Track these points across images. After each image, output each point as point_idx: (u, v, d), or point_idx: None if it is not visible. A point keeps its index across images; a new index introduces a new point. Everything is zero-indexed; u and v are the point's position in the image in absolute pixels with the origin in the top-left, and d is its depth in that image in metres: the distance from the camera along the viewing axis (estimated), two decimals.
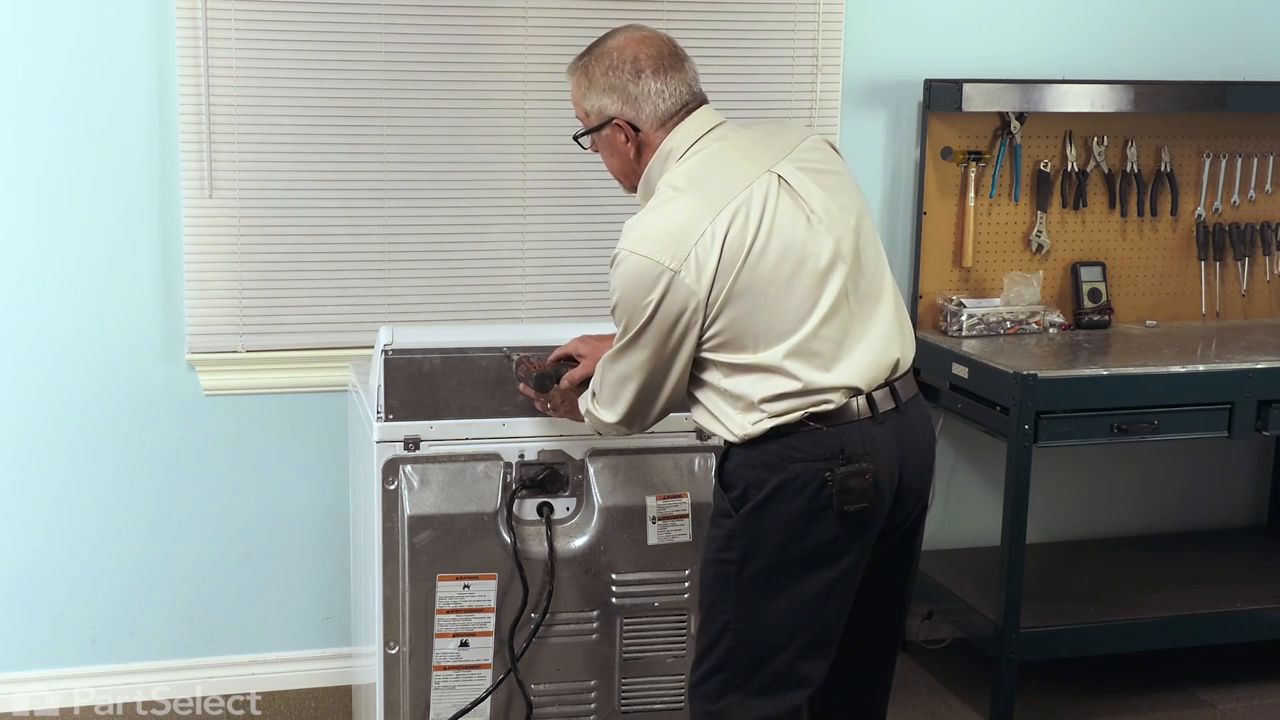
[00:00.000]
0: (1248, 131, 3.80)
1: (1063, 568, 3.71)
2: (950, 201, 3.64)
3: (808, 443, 2.18)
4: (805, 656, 2.27)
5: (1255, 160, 3.82)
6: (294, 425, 3.38)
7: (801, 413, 2.18)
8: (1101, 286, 3.72)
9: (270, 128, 3.23)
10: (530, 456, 2.62)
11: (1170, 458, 3.98)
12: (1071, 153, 3.67)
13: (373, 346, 2.62)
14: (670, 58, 2.29)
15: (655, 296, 2.16)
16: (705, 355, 2.22)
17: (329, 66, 3.24)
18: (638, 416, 2.31)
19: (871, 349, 2.24)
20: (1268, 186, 3.84)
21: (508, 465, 2.61)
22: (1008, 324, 3.57)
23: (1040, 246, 3.70)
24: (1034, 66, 3.64)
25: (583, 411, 2.43)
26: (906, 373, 2.31)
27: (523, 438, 2.61)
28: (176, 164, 3.20)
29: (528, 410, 2.61)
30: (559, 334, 2.63)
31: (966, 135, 3.61)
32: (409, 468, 2.56)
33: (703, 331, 2.19)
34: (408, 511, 2.55)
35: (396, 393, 2.57)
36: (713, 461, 2.64)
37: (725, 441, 2.27)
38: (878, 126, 3.60)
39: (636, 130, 2.29)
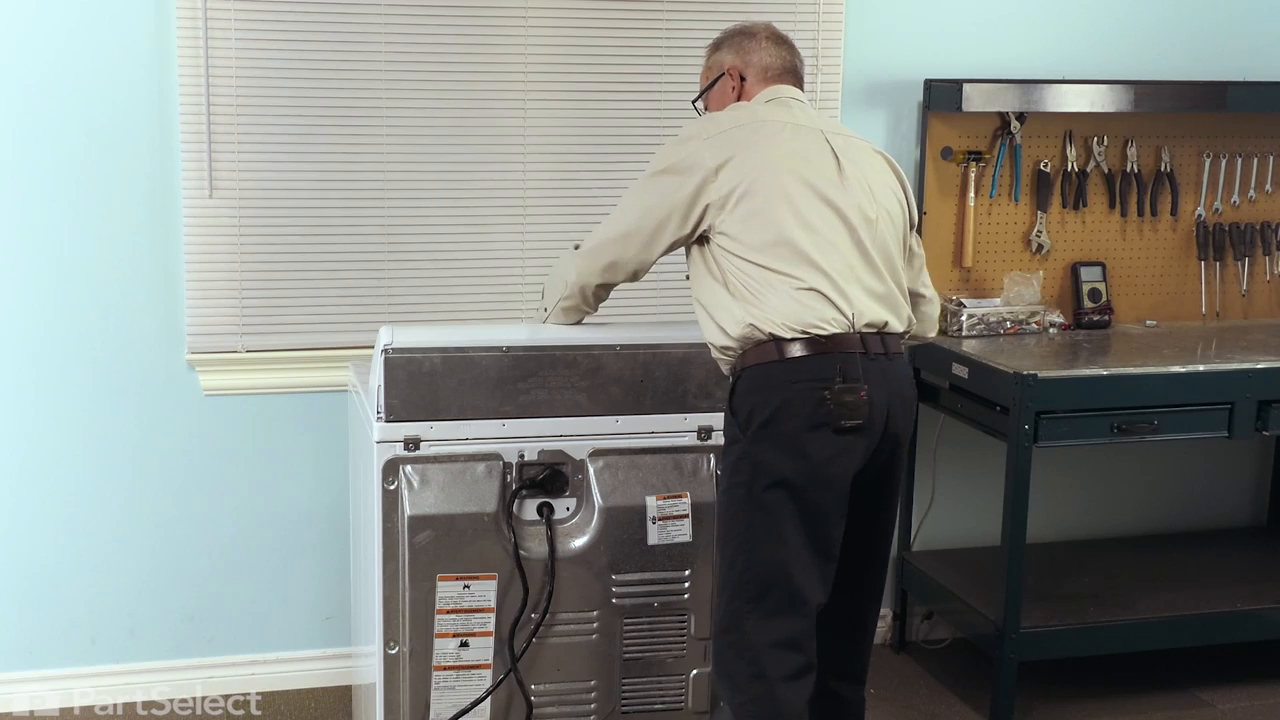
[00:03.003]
0: (1248, 131, 3.80)
1: (1063, 568, 3.71)
2: (950, 201, 3.64)
3: (807, 365, 2.35)
4: (810, 573, 2.38)
5: (1255, 160, 3.82)
6: (294, 425, 3.38)
7: (800, 329, 2.34)
8: (1101, 286, 3.72)
9: (270, 128, 3.23)
10: (530, 456, 2.62)
11: (1170, 458, 3.98)
12: (1071, 153, 3.67)
13: (373, 346, 2.62)
14: (787, 42, 2.67)
15: (679, 152, 2.46)
16: (721, 246, 2.41)
17: (329, 66, 3.24)
18: (600, 251, 2.54)
19: (868, 299, 2.42)
20: (1268, 186, 3.84)
21: (508, 465, 2.61)
22: (1008, 324, 3.57)
23: (1040, 246, 3.70)
24: (1034, 66, 3.64)
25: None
26: (896, 334, 2.47)
27: (523, 438, 2.61)
28: (176, 164, 3.20)
29: (528, 410, 2.61)
30: (558, 334, 2.64)
31: (966, 135, 3.61)
32: (409, 468, 2.56)
33: (713, 216, 2.41)
34: (408, 511, 2.55)
35: (396, 393, 2.57)
36: (713, 462, 2.66)
37: (731, 371, 2.43)
38: (878, 126, 3.60)
39: (743, 80, 2.62)
